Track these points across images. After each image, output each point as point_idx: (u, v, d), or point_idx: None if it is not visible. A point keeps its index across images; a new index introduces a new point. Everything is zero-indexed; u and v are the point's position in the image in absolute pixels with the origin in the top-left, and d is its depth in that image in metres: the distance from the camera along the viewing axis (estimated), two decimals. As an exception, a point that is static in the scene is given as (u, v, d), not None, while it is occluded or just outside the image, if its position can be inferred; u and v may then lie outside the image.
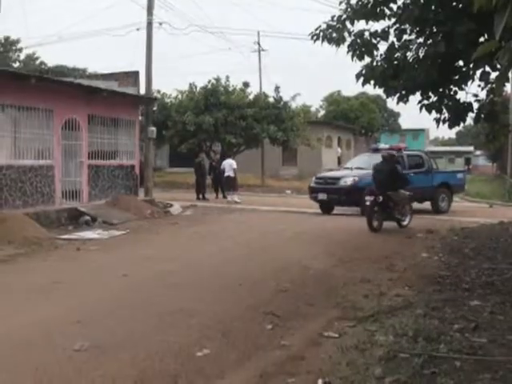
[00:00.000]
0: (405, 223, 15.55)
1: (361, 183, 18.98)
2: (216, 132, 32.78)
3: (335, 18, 9.70)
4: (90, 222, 15.52)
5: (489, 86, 9.47)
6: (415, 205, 20.62)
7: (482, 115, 9.68)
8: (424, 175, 20.84)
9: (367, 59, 9.78)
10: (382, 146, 23.55)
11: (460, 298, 7.36)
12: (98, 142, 18.32)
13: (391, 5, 9.47)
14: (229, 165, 25.57)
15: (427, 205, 21.21)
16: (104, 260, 10.63)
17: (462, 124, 10.05)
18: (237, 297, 7.77)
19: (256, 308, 7.14)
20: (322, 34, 9.71)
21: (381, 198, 14.63)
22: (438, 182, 21.36)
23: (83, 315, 6.68)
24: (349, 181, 19.47)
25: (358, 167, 20.81)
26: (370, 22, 9.65)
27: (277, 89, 34.79)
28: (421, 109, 9.71)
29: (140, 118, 22.06)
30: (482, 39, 8.62)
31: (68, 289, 8.16)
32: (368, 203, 14.72)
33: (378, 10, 9.43)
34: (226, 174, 25.32)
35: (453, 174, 23.00)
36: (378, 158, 19.41)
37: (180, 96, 35.13)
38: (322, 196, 19.86)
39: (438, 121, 9.84)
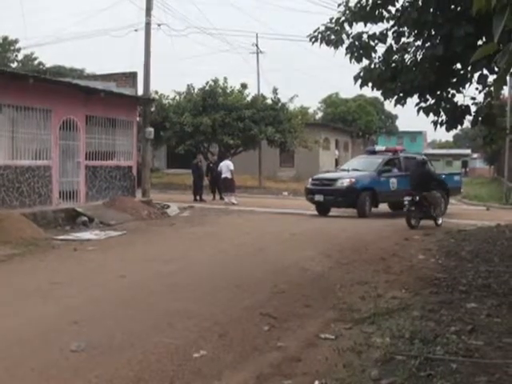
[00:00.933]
0: (439, 222, 16.77)
1: (357, 184, 19.40)
2: (214, 133, 32.79)
3: (333, 20, 9.69)
4: (87, 223, 15.51)
5: (486, 89, 9.48)
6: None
7: (480, 118, 9.68)
8: None
9: (365, 61, 9.77)
10: (378, 148, 24.05)
11: (457, 301, 7.36)
12: (96, 142, 18.32)
13: (390, 7, 9.47)
14: (226, 166, 25.56)
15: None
16: (101, 260, 10.62)
17: (459, 127, 10.07)
18: (234, 298, 7.77)
19: (253, 309, 7.14)
20: (320, 36, 9.70)
21: (417, 198, 16.01)
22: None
23: (80, 315, 6.68)
24: (345, 182, 19.48)
25: (354, 169, 20.86)
26: (369, 25, 9.64)
27: (275, 90, 34.84)
28: (418, 111, 9.70)
29: (138, 118, 22.05)
30: (480, 42, 8.62)
31: (65, 289, 8.15)
32: (406, 203, 16.16)
33: (377, 12, 9.42)
34: (223, 176, 25.31)
35: (449, 177, 22.87)
36: (374, 160, 20.88)
37: (178, 97, 35.15)
38: (319, 197, 19.79)
39: (435, 123, 9.84)
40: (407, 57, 9.71)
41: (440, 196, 16.79)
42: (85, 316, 6.70)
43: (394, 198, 20.11)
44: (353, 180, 19.52)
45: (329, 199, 19.66)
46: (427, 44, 9.19)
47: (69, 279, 8.86)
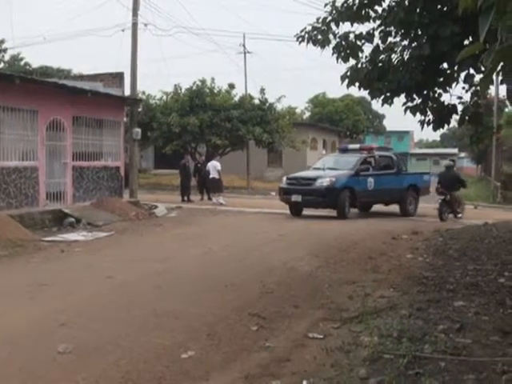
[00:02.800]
0: (460, 215, 19.41)
1: (337, 184, 18.86)
2: (201, 133, 32.75)
3: (320, 20, 9.70)
4: (74, 224, 15.44)
5: (473, 88, 9.52)
6: (380, 207, 21.26)
7: (467, 117, 9.71)
8: (394, 176, 20.76)
9: (352, 61, 9.79)
10: (352, 146, 23.73)
11: (444, 299, 7.38)
12: (83, 143, 18.24)
13: (376, 7, 9.49)
14: (213, 166, 25.53)
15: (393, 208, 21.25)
16: (88, 262, 10.57)
17: (446, 126, 10.10)
18: (222, 298, 7.77)
19: (241, 310, 7.14)
20: (307, 35, 9.71)
21: (449, 197, 18.87)
22: (407, 184, 21.07)
23: (67, 317, 6.65)
24: (325, 182, 18.90)
25: (330, 168, 20.26)
26: (355, 24, 9.66)
27: (262, 90, 34.85)
28: (405, 111, 9.73)
29: (125, 119, 21.99)
30: (466, 42, 8.67)
31: (52, 290, 8.12)
32: (440, 200, 18.92)
33: (363, 12, 9.44)
34: (211, 176, 25.29)
35: (420, 176, 22.60)
36: (349, 159, 20.55)
37: (165, 97, 35.06)
38: (296, 197, 19.10)
39: (422, 123, 9.87)
40: (394, 56, 9.74)
41: (461, 195, 20.05)
42: (72, 317, 6.67)
43: (372, 198, 20.15)
44: (333, 179, 18.93)
45: (307, 199, 19.05)
46: (414, 44, 9.23)
47: (56, 281, 8.82)
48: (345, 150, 22.51)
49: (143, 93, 33.29)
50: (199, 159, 29.56)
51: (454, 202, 19.36)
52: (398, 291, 8.14)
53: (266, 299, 7.77)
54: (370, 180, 19.76)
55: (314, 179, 19.29)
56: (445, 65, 9.36)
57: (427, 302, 7.24)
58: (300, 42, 9.77)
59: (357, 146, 23.49)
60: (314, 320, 6.75)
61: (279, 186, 20.80)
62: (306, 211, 19.96)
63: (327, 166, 20.65)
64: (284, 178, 20.68)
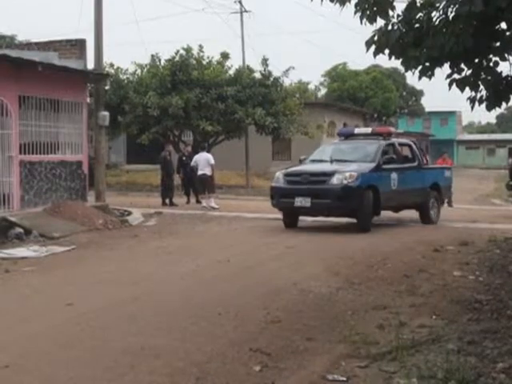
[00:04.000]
0: None
1: (361, 181, 17.37)
2: (187, 117, 32.76)
3: (338, -33, 9.67)
4: (22, 236, 15.42)
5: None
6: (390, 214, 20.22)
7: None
8: (416, 172, 19.93)
9: (381, 21, 9.77)
10: (358, 130, 22.50)
11: (504, 329, 7.36)
12: (33, 131, 18.25)
13: None
14: (204, 160, 25.45)
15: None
16: (42, 285, 10.56)
17: (504, 104, 10.07)
18: (215, 330, 7.74)
19: (240, 344, 7.11)
20: (321, -13, 9.68)
21: None
22: (429, 182, 20.35)
23: (12, 357, 6.62)
24: (347, 178, 17.22)
25: (338, 159, 18.73)
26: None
27: (265, 61, 34.87)
28: (450, 85, 9.69)
29: (88, 99, 21.97)
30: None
31: (-6, 323, 8.10)
32: None
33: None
34: (201, 173, 25.21)
35: (441, 172, 22.00)
36: (365, 147, 19.47)
37: (139, 71, 35.10)
38: (303, 201, 17.36)
39: (472, 100, 9.83)
40: (435, 15, 9.70)
41: None
42: (19, 358, 6.64)
43: (395, 202, 18.90)
44: (354, 174, 17.26)
45: (319, 204, 17.36)
46: (462, -3, 9.18)
47: (-1, 309, 8.81)
48: (348, 136, 21.13)
49: (111, 65, 33.38)
50: (184, 150, 29.50)
51: None
52: (442, 319, 8.12)
53: (272, 330, 7.73)
54: (394, 177, 18.56)
55: (330, 174, 17.52)
56: (503, 25, 9.32)
57: (482, 332, 7.21)
58: (313, -2, 9.74)
59: (367, 129, 22.56)
60: (334, 357, 6.73)
61: (272, 185, 19.04)
62: (304, 221, 19.02)
63: (334, 157, 18.99)
64: (279, 174, 18.78)
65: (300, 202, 17.41)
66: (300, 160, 20.25)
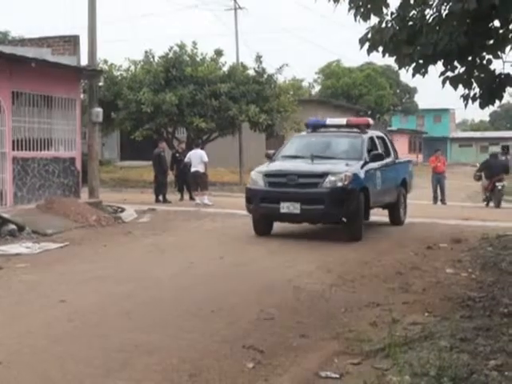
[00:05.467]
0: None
1: (355, 183, 15.25)
2: (180, 114, 32.68)
3: (332, -36, 9.67)
4: (15, 233, 15.38)
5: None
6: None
7: (524, 90, 9.72)
8: (392, 169, 18.21)
9: (374, 19, 9.77)
10: (330, 120, 18.84)
11: (497, 326, 7.37)
12: (26, 127, 18.21)
13: None
14: (198, 157, 25.41)
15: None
16: (35, 281, 10.54)
17: (497, 102, 10.08)
18: (208, 327, 7.74)
19: (233, 341, 7.13)
20: (315, -15, 9.69)
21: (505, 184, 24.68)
22: (400, 178, 18.89)
23: (6, 354, 6.62)
24: (340, 180, 14.96)
25: (318, 156, 16.18)
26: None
27: (258, 58, 34.78)
28: (444, 83, 9.69)
29: (82, 96, 21.92)
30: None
31: (-13, 319, 8.09)
32: (500, 188, 25.27)
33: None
34: (194, 169, 25.16)
35: (407, 166, 20.13)
36: (342, 141, 17.38)
37: (133, 68, 35.00)
38: (291, 207, 14.95)
39: (466, 98, 9.84)
40: (429, 12, 9.70)
41: None
42: (12, 354, 6.64)
43: (378, 203, 17.17)
44: (349, 175, 15.05)
45: (311, 210, 15.11)
46: (455, -6, 9.19)
47: (-8, 306, 8.80)
48: (316, 127, 18.70)
49: (105, 62, 33.27)
50: (178, 147, 29.45)
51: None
52: (435, 316, 8.14)
53: (265, 327, 7.75)
54: (378, 175, 16.66)
55: (322, 175, 15.13)
56: (496, 23, 9.34)
57: (474, 330, 7.23)
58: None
59: (341, 120, 18.91)
60: (327, 354, 6.75)
61: (248, 186, 16.32)
62: (278, 227, 16.53)
63: (314, 153, 16.32)
64: (257, 174, 16.10)
65: (287, 207, 14.96)
66: (268, 156, 18.03)
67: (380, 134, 19.11)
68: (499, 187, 25.33)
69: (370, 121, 18.76)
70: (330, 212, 14.97)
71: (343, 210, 14.96)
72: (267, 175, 15.70)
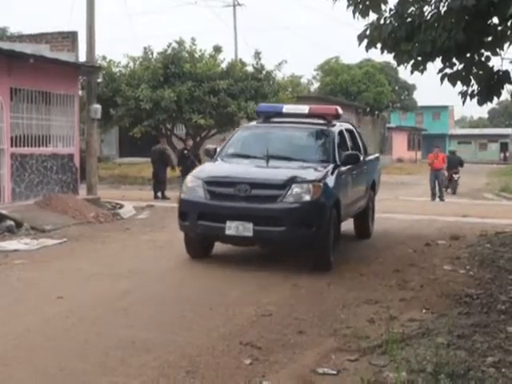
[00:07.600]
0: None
1: (327, 195, 11.43)
2: (179, 111, 32.63)
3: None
4: (13, 229, 15.36)
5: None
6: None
7: (523, 87, 9.72)
8: (362, 169, 14.63)
9: (373, 16, 9.77)
10: (287, 108, 14.41)
11: (494, 323, 7.38)
12: (25, 123, 18.16)
13: None
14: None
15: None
16: (33, 278, 10.52)
17: (495, 99, 10.08)
18: (206, 324, 7.75)
19: (230, 338, 7.14)
20: (314, -18, 9.66)
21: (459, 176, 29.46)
22: (370, 179, 15.54)
23: (3, 351, 6.64)
24: (307, 191, 11.16)
25: (275, 156, 12.28)
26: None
27: (257, 55, 34.73)
28: (442, 79, 9.70)
29: (80, 92, 21.88)
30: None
31: (-16, 316, 8.09)
32: (456, 178, 30.96)
33: None
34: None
35: (376, 164, 16.83)
36: (290, 134, 13.61)
37: (132, 64, 34.93)
38: (240, 228, 11.01)
39: (464, 95, 9.85)
40: (427, 9, 9.71)
41: None
42: (8, 352, 6.65)
43: (349, 215, 13.55)
44: (319, 185, 11.28)
45: (268, 233, 11.11)
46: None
47: (-10, 302, 8.79)
48: (269, 116, 14.28)
49: (104, 58, 33.18)
50: (186, 144, 29.33)
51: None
52: (432, 313, 8.16)
53: (263, 324, 7.75)
54: (349, 180, 13.10)
55: (283, 186, 11.19)
56: (495, 19, 9.33)
57: (472, 326, 7.23)
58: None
59: (302, 108, 14.39)
60: (325, 351, 6.75)
61: (182, 197, 12.19)
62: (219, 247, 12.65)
63: (270, 151, 12.33)
64: (194, 181, 11.97)
65: (235, 228, 11.04)
66: (209, 153, 13.66)
67: (349, 126, 15.26)
68: (455, 178, 31.36)
69: (339, 110, 14.33)
70: (294, 235, 11.04)
71: (311, 233, 11.03)
72: (209, 183, 11.58)
